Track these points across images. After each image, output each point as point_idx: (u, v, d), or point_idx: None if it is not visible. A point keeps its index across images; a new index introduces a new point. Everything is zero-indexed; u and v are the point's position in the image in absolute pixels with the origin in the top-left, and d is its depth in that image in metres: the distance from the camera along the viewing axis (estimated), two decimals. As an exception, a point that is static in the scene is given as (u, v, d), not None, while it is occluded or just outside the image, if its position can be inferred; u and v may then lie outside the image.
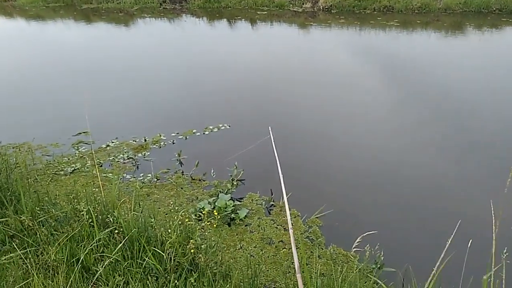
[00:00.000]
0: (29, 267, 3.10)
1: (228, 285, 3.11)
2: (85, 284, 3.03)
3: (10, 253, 3.39)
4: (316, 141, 6.30)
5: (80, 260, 3.08)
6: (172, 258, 3.14)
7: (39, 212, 3.66)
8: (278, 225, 4.28)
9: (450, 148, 6.10)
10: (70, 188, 4.65)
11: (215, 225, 4.06)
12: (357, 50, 11.75)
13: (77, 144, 6.16)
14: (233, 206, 4.40)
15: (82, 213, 3.40)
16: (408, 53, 11.57)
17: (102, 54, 11.76)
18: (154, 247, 3.20)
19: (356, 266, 3.61)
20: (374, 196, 4.90)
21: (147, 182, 5.13)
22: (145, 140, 6.21)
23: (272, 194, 4.82)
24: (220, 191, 4.78)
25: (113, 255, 3.08)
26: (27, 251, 3.34)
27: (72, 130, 6.54)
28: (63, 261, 3.12)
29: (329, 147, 6.19)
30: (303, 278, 3.01)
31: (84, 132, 6.44)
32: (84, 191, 3.98)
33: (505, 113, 7.30)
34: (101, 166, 5.54)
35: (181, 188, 4.99)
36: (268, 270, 3.61)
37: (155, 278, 3.13)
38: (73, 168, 5.38)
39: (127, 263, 3.15)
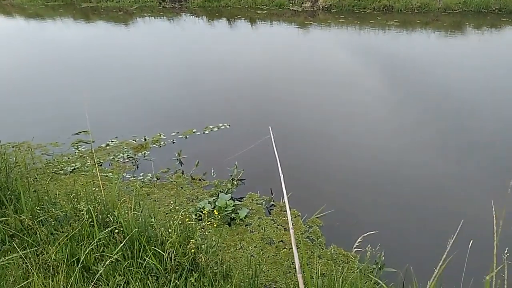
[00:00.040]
0: (29, 266, 3.09)
1: (228, 285, 3.11)
2: (85, 284, 3.02)
3: (10, 252, 3.39)
4: (316, 141, 6.30)
5: (81, 260, 3.07)
6: (173, 258, 3.14)
7: (39, 211, 3.65)
8: (278, 225, 4.27)
9: (450, 148, 6.10)
10: (70, 188, 4.64)
11: (215, 225, 4.06)
12: (356, 50, 11.75)
13: (76, 143, 6.15)
14: (233, 206, 4.40)
15: (82, 212, 3.39)
16: (408, 52, 11.58)
17: (101, 53, 11.74)
18: (155, 246, 3.20)
19: (356, 266, 3.61)
20: (374, 196, 4.90)
21: (147, 181, 5.12)
22: (145, 140, 6.20)
23: (272, 194, 4.81)
24: (220, 191, 4.78)
25: (114, 255, 3.07)
26: (27, 250, 3.34)
27: (71, 129, 6.53)
28: (63, 260, 3.11)
29: (329, 147, 6.19)
30: (304, 278, 3.01)
31: (84, 131, 6.43)
32: (84, 190, 3.97)
33: (504, 113, 7.31)
34: (101, 165, 5.53)
35: (181, 187, 4.98)
36: (268, 270, 3.61)
37: (156, 278, 3.12)
38: (73, 168, 5.37)
39: (127, 263, 3.15)
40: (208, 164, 5.33)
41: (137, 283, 2.98)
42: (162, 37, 13.96)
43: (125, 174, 5.31)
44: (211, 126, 6.64)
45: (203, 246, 3.29)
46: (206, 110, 7.52)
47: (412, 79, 9.13)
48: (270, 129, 5.40)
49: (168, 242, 3.16)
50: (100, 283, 3.04)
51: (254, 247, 3.91)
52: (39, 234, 3.41)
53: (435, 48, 12.16)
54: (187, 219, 3.49)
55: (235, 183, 4.99)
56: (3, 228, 3.52)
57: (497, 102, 7.82)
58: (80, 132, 6.45)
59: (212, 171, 5.16)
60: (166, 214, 4.34)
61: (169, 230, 3.26)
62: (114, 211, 3.51)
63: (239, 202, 4.62)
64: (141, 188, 4.94)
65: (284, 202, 4.40)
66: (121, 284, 3.01)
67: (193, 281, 3.06)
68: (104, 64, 10.68)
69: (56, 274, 3.03)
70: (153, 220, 3.51)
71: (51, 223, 3.58)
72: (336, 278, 3.05)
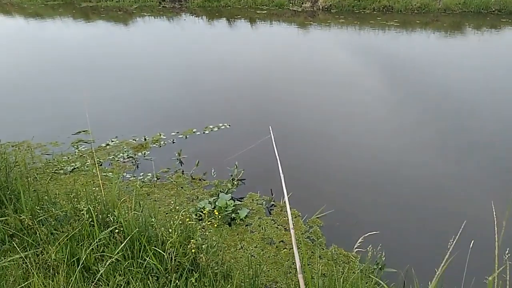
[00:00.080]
0: (29, 266, 3.08)
1: (229, 285, 3.10)
2: (85, 284, 3.02)
3: (10, 252, 3.38)
4: (316, 141, 6.30)
5: (81, 260, 3.06)
6: (173, 258, 3.13)
7: (39, 211, 3.64)
8: (278, 225, 4.27)
9: (450, 148, 6.10)
10: (70, 187, 4.64)
11: (215, 225, 4.05)
12: (356, 50, 11.75)
13: (76, 142, 6.14)
14: (233, 206, 4.39)
15: (82, 212, 3.39)
16: (408, 53, 11.58)
17: (101, 53, 11.72)
18: (155, 246, 3.19)
19: (357, 266, 3.60)
20: (374, 196, 4.89)
21: (147, 181, 5.11)
22: (145, 139, 6.19)
23: (272, 194, 4.81)
24: (220, 191, 4.77)
25: (115, 255, 3.06)
26: (27, 250, 3.33)
27: (71, 128, 6.52)
28: (63, 260, 3.11)
29: (329, 147, 6.18)
30: (305, 279, 3.01)
31: (84, 131, 6.42)
32: (84, 190, 3.96)
33: (504, 113, 7.31)
34: (101, 165, 5.52)
35: (182, 187, 4.97)
36: (269, 270, 3.60)
37: (156, 278, 3.12)
38: (72, 167, 5.36)
39: (128, 263, 3.14)
40: (208, 164, 5.32)
41: (137, 283, 2.98)
42: (162, 36, 13.94)
43: (125, 173, 5.30)
44: (211, 126, 6.63)
45: (203, 246, 3.28)
46: (206, 110, 7.51)
47: (412, 79, 9.14)
48: (270, 129, 5.41)
49: (169, 242, 3.15)
50: (100, 283, 3.04)
51: (255, 247, 3.91)
52: (39, 234, 3.40)
53: (435, 48, 12.17)
54: (187, 219, 3.49)
55: (235, 183, 4.99)
56: (3, 228, 3.51)
57: (497, 103, 7.83)
58: (80, 132, 6.44)
59: (213, 171, 5.15)
60: (166, 214, 4.34)
61: (170, 230, 3.25)
62: (114, 211, 3.50)
63: (240, 202, 4.62)
64: (141, 188, 4.93)
65: (285, 202, 4.41)
66: (121, 284, 3.01)
67: (193, 281, 3.06)
68: (104, 63, 10.66)
69: (56, 274, 3.02)
70: (153, 220, 3.51)
71: (51, 223, 3.57)
72: (337, 279, 3.05)
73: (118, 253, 3.11)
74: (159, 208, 4.49)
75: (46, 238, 3.40)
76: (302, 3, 17.68)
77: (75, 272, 2.97)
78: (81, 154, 5.82)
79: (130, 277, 3.05)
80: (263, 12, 17.24)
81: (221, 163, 5.32)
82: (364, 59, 10.86)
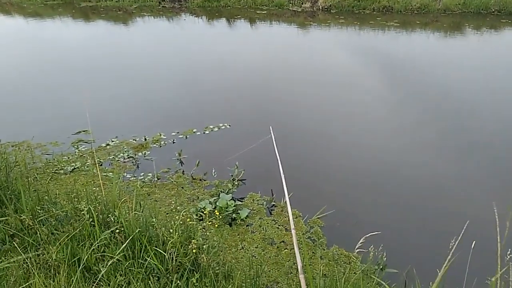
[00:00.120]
0: (30, 266, 3.07)
1: (230, 286, 3.10)
2: (86, 284, 3.01)
3: (11, 252, 3.37)
4: (316, 141, 6.29)
5: (82, 260, 3.05)
6: (174, 258, 3.13)
7: (39, 211, 3.63)
8: (279, 226, 4.26)
9: (450, 148, 6.10)
10: (70, 187, 4.63)
11: (216, 225, 4.05)
12: (356, 50, 11.75)
13: (76, 142, 6.13)
14: (234, 206, 4.39)
15: (82, 212, 3.38)
16: (408, 53, 11.59)
17: (100, 52, 11.71)
18: (156, 247, 3.18)
19: (358, 267, 3.60)
20: (375, 196, 4.89)
21: (148, 181, 5.11)
22: (145, 139, 6.18)
23: (273, 195, 4.80)
24: (221, 191, 4.77)
25: (116, 256, 3.06)
26: (27, 250, 3.33)
27: (71, 128, 6.51)
28: (64, 261, 3.10)
29: (329, 147, 6.18)
30: (306, 279, 3.01)
31: (84, 131, 6.41)
32: (84, 190, 3.96)
33: (504, 113, 7.31)
34: (101, 165, 5.51)
35: (182, 187, 4.97)
36: (270, 271, 3.60)
37: (157, 278, 3.11)
38: (73, 167, 5.35)
39: (129, 263, 3.13)
40: (208, 164, 5.31)
41: (138, 284, 2.97)
42: (162, 36, 13.93)
43: (125, 174, 5.30)
44: (211, 126, 6.63)
45: (204, 246, 3.28)
46: (206, 110, 7.51)
47: (412, 79, 9.14)
48: (271, 128, 5.40)
49: (170, 242, 3.15)
50: (101, 283, 3.03)
51: (256, 247, 3.91)
52: (39, 234, 3.40)
53: (434, 48, 12.18)
54: (188, 219, 3.48)
55: (236, 183, 4.98)
56: (4, 228, 3.50)
57: (497, 103, 7.83)
58: (80, 132, 6.43)
59: (213, 171, 5.14)
60: (167, 214, 4.33)
61: (170, 230, 3.25)
62: (115, 211, 3.49)
63: (240, 202, 4.61)
64: (142, 188, 4.92)
65: (285, 202, 4.40)
66: (122, 285, 3.00)
67: (194, 281, 3.05)
68: (104, 63, 10.65)
69: (57, 274, 3.02)
70: (154, 220, 3.50)
71: (51, 223, 3.56)
72: (338, 279, 3.04)
73: (119, 253, 3.10)
74: (160, 208, 4.49)
75: (46, 238, 3.39)
76: (302, 3, 17.68)
77: (76, 272, 2.97)
78: (81, 154, 5.81)
79: (131, 277, 3.04)
80: (263, 12, 17.24)
81: (222, 163, 5.31)
82: (364, 59, 10.87)
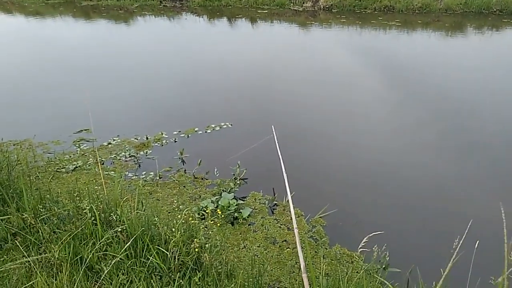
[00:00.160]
0: (32, 265, 3.07)
1: (233, 285, 3.09)
2: (89, 283, 3.01)
3: (13, 250, 3.37)
4: (316, 140, 6.28)
5: (85, 259, 3.05)
6: (176, 257, 3.12)
7: (41, 210, 3.62)
8: (281, 225, 4.26)
9: (450, 148, 6.08)
10: (72, 186, 4.61)
11: (218, 224, 4.04)
12: (357, 50, 11.74)
13: (78, 141, 6.13)
14: (236, 205, 4.38)
15: (84, 211, 3.37)
16: (409, 53, 11.57)
17: (101, 52, 11.71)
18: (158, 246, 3.18)
19: (360, 266, 3.59)
20: (375, 196, 4.88)
21: (150, 180, 5.10)
22: (147, 138, 6.17)
23: (274, 194, 4.79)
24: (223, 190, 4.76)
25: (120, 255, 3.05)
26: (29, 249, 3.32)
27: (72, 127, 6.50)
28: (67, 259, 3.09)
29: (329, 147, 6.16)
30: (309, 278, 3.00)
31: (85, 130, 6.41)
32: (86, 189, 3.95)
33: (505, 114, 7.29)
34: (103, 164, 5.50)
35: (184, 186, 4.96)
36: (272, 270, 3.59)
37: (159, 277, 3.11)
38: (74, 166, 5.34)
39: (131, 262, 3.13)
40: (210, 163, 5.31)
41: (140, 282, 2.97)
42: (163, 35, 13.93)
43: (127, 172, 5.29)
44: (213, 125, 6.62)
45: (206, 245, 3.27)
46: (207, 109, 7.50)
47: (413, 79, 9.12)
48: (273, 128, 5.40)
49: (172, 241, 3.14)
50: (103, 282, 3.02)
51: (258, 246, 3.90)
52: (41, 232, 3.39)
53: (436, 48, 12.16)
54: (190, 218, 3.47)
55: (237, 182, 4.97)
56: (6, 226, 3.50)
57: (498, 103, 7.80)
58: (81, 130, 6.43)
59: (215, 170, 5.13)
60: (169, 213, 4.32)
61: (173, 229, 3.24)
62: (117, 210, 3.49)
63: (242, 202, 4.61)
64: (144, 187, 4.92)
65: (287, 201, 4.40)
66: (124, 283, 2.99)
67: (197, 280, 3.04)
68: (105, 62, 10.65)
69: (59, 273, 3.01)
70: (156, 219, 3.49)
71: (53, 222, 3.55)
72: (341, 278, 3.04)
73: (122, 252, 3.10)
74: (162, 207, 4.48)
75: (48, 237, 3.38)
76: (303, 3, 17.67)
77: (79, 271, 2.96)
78: (83, 152, 5.80)
79: (133, 276, 3.03)
80: (264, 11, 17.23)
81: (223, 162, 5.31)
82: (365, 59, 10.85)
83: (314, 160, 5.71)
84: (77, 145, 5.98)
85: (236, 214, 4.31)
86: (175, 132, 6.40)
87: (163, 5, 18.64)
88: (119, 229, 3.22)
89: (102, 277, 2.98)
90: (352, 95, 8.27)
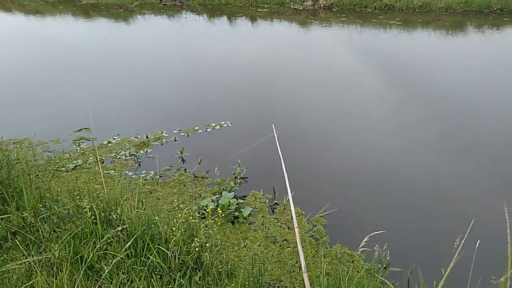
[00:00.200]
0: (32, 264, 3.06)
1: (233, 284, 3.08)
2: (89, 282, 3.00)
3: (13, 249, 3.36)
4: (316, 140, 6.27)
5: (85, 259, 3.04)
6: (177, 256, 3.11)
7: (41, 208, 3.61)
8: (282, 224, 4.25)
9: (450, 148, 6.07)
10: (72, 185, 4.61)
11: (219, 223, 4.03)
12: (357, 49, 11.72)
13: (78, 140, 6.12)
14: (236, 204, 4.37)
15: (85, 210, 3.36)
16: (409, 52, 11.55)
17: (101, 50, 11.69)
18: (158, 245, 3.17)
19: (361, 265, 3.59)
20: (375, 196, 4.87)
21: (150, 179, 5.09)
22: (147, 137, 6.16)
23: (275, 193, 4.79)
24: (223, 189, 4.75)
25: (121, 254, 3.04)
26: (29, 248, 3.32)
27: (72, 126, 6.49)
28: (67, 258, 3.08)
29: (329, 146, 6.15)
30: (310, 277, 2.99)
31: (85, 128, 6.40)
32: (86, 188, 3.94)
33: (505, 113, 7.28)
34: (102, 162, 5.49)
35: (184, 185, 4.95)
36: (273, 269, 3.59)
37: (160, 277, 3.10)
38: (74, 165, 5.33)
39: (131, 261, 3.12)
40: (210, 162, 5.30)
41: (141, 282, 2.96)
42: (163, 34, 13.90)
43: (127, 171, 5.28)
44: (213, 124, 6.61)
45: (207, 244, 3.26)
46: (207, 108, 7.49)
47: (413, 78, 9.10)
48: (273, 127, 5.39)
49: (172, 240, 3.13)
50: (103, 281, 3.02)
51: (258, 245, 3.89)
52: (41, 231, 3.38)
53: (436, 47, 12.13)
54: (190, 217, 3.47)
55: (238, 181, 4.97)
56: (6, 225, 3.49)
57: (498, 103, 7.79)
58: (81, 129, 6.42)
59: (215, 169, 5.12)
60: (169, 212, 4.32)
61: (173, 228, 3.23)
62: (117, 209, 3.48)
63: (242, 201, 4.60)
64: (144, 186, 4.91)
65: (287, 200, 4.39)
66: (125, 283, 2.99)
67: (197, 279, 3.04)
68: (105, 61, 10.63)
69: (59, 272, 3.00)
70: (156, 218, 3.49)
71: (53, 221, 3.55)
72: (342, 278, 3.03)
73: (122, 252, 3.09)
74: (162, 206, 4.47)
75: (49, 236, 3.37)
76: (304, 2, 17.62)
77: (79, 270, 2.95)
78: (82, 151, 5.79)
79: (134, 275, 3.03)
80: (264, 10, 17.19)
81: (224, 161, 5.30)
82: (365, 58, 10.83)
83: (314, 159, 5.70)
84: (77, 144, 5.97)
85: (236, 213, 4.30)
86: (175, 131, 6.39)
87: (163, 4, 18.59)
88: (120, 228, 3.21)
89: (103, 277, 2.97)
90: (352, 94, 8.25)
